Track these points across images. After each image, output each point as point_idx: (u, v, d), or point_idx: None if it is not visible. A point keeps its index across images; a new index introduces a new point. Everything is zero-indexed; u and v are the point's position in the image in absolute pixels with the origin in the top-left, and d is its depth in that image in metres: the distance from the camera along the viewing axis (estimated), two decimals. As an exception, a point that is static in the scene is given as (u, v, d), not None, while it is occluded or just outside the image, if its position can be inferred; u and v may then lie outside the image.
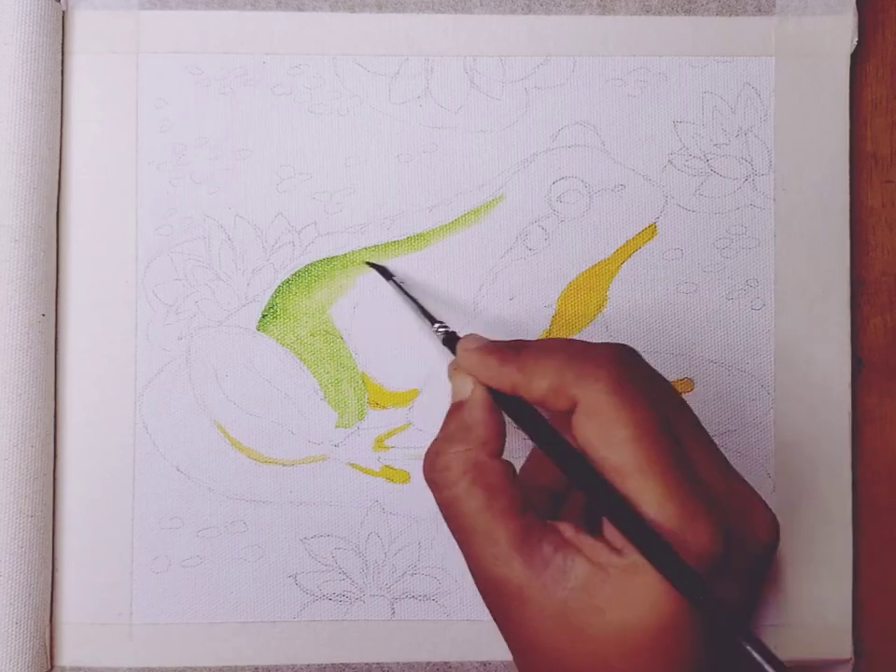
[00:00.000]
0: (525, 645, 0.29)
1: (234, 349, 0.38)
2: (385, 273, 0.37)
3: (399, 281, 0.37)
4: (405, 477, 0.38)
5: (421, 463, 0.38)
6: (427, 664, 0.38)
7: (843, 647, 0.38)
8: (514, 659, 0.31)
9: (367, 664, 0.38)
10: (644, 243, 0.38)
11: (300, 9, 0.38)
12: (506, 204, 0.38)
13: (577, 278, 0.38)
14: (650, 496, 0.27)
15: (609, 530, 0.28)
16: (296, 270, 0.38)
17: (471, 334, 0.33)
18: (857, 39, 0.38)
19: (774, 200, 0.38)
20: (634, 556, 0.27)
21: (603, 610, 0.27)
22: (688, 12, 0.38)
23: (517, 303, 0.38)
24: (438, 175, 0.38)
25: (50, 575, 0.37)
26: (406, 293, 0.36)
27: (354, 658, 0.38)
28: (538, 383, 0.29)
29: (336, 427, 0.38)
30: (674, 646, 0.27)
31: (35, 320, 0.36)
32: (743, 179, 0.38)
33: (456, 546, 0.37)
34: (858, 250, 0.39)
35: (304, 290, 0.38)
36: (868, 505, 0.39)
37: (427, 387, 0.38)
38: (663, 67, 0.38)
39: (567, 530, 0.29)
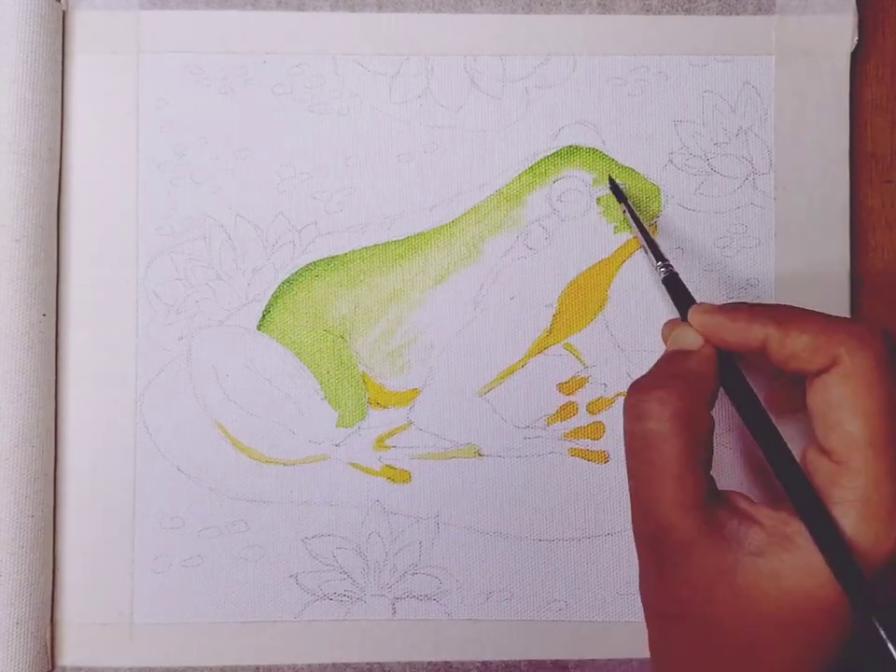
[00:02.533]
0: (670, 601, 0.29)
1: (235, 349, 0.38)
2: (621, 195, 0.37)
3: (632, 206, 0.37)
4: (406, 477, 0.38)
5: (422, 463, 0.38)
6: (428, 663, 0.38)
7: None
8: (646, 617, 0.31)
9: (368, 663, 0.38)
10: (644, 242, 0.38)
11: (300, 9, 0.38)
12: (506, 204, 0.38)
13: (577, 277, 0.38)
14: (870, 474, 0.27)
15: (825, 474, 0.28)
16: (296, 269, 0.38)
17: (702, 303, 0.33)
18: (857, 38, 0.38)
19: (774, 199, 0.38)
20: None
21: (780, 575, 0.27)
22: (688, 11, 0.38)
23: (518, 303, 0.38)
24: (438, 175, 0.38)
25: (51, 575, 0.37)
26: (638, 222, 0.36)
27: (355, 658, 0.38)
28: (796, 337, 0.29)
29: (337, 426, 0.38)
30: (833, 628, 0.27)
31: (35, 320, 0.36)
32: (743, 178, 0.38)
33: (457, 546, 0.37)
34: (858, 250, 0.39)
35: (305, 290, 0.38)
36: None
37: (427, 387, 0.38)
38: (663, 66, 0.38)
39: (741, 501, 0.29)
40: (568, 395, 0.38)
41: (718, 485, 0.30)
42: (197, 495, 0.38)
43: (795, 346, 0.29)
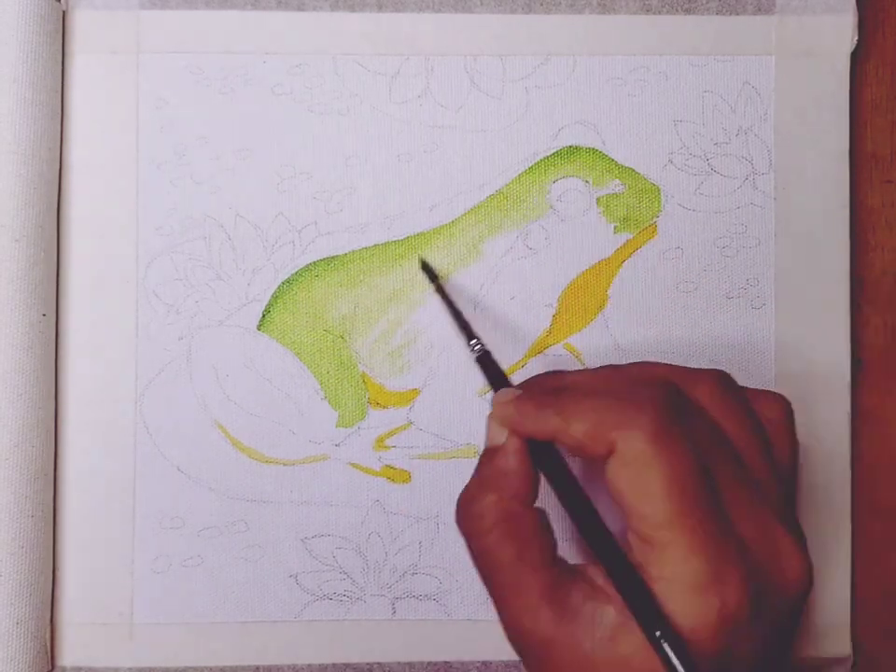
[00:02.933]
0: None
1: (235, 349, 0.38)
2: (433, 274, 0.37)
3: (443, 285, 0.37)
4: (406, 477, 0.38)
5: (422, 463, 0.38)
6: (428, 663, 0.38)
7: (842, 645, 0.38)
8: None
9: (368, 663, 0.38)
10: (644, 242, 0.38)
11: (300, 9, 0.38)
12: (506, 204, 0.38)
13: (577, 277, 0.38)
14: (675, 550, 0.27)
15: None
16: (296, 269, 0.38)
17: (507, 388, 0.32)
18: (857, 38, 0.38)
19: (774, 199, 0.38)
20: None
21: (629, 662, 0.27)
22: (688, 11, 0.38)
23: (518, 303, 0.38)
24: (438, 175, 0.38)
25: (51, 575, 0.37)
26: (448, 300, 0.36)
27: (355, 658, 0.38)
28: (575, 426, 0.29)
29: (337, 426, 0.38)
30: None
31: (35, 320, 0.36)
32: (743, 178, 0.38)
33: (457, 546, 0.37)
34: (858, 250, 0.39)
35: (305, 290, 0.38)
36: (868, 505, 0.39)
37: (427, 387, 0.38)
38: (663, 66, 0.38)
39: (597, 577, 0.29)
40: (568, 395, 0.38)
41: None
42: (197, 495, 0.38)
43: (577, 436, 0.29)
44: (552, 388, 0.31)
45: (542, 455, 0.31)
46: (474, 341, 0.34)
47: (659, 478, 0.27)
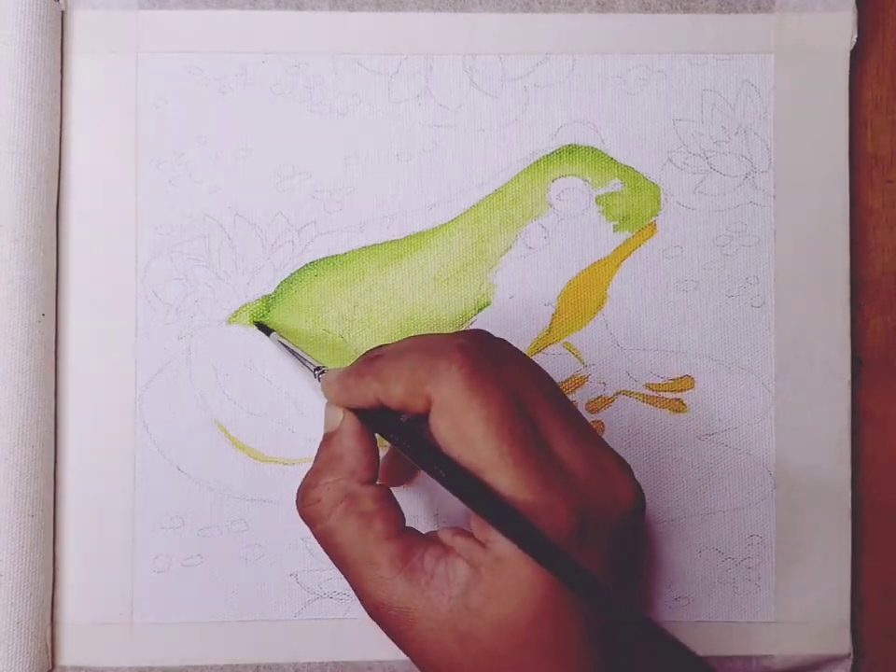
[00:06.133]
0: (423, 662, 0.29)
1: (234, 348, 0.38)
2: (265, 329, 0.37)
3: (278, 337, 0.37)
4: (405, 476, 0.38)
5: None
6: (428, 662, 0.38)
7: (842, 643, 0.38)
8: None
9: (368, 662, 0.38)
10: (644, 241, 0.38)
11: (299, 8, 0.38)
12: (505, 203, 0.38)
13: (577, 276, 0.38)
14: (504, 487, 0.27)
15: (476, 525, 0.28)
16: (296, 269, 0.38)
17: (332, 369, 0.33)
18: (857, 37, 0.38)
19: (774, 197, 0.38)
20: (497, 548, 0.27)
21: (481, 611, 0.28)
22: (687, 10, 0.38)
23: (517, 302, 0.38)
24: (437, 174, 0.38)
25: (51, 575, 0.37)
26: (286, 345, 0.36)
27: (355, 656, 0.38)
28: (394, 387, 0.29)
29: (336, 426, 0.38)
30: (556, 632, 0.28)
31: (34, 320, 0.36)
32: (743, 177, 0.38)
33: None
34: (858, 250, 0.39)
35: (304, 289, 0.38)
36: (868, 504, 0.39)
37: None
38: (662, 65, 0.38)
39: (445, 536, 0.29)
40: (568, 393, 0.38)
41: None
42: (197, 494, 0.38)
43: (397, 396, 0.29)
44: (370, 358, 0.31)
45: (383, 422, 0.31)
46: (317, 369, 0.35)
47: (475, 422, 0.28)
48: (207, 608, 0.38)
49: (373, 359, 0.31)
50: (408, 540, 0.29)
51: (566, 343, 0.38)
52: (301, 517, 0.31)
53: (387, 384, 0.29)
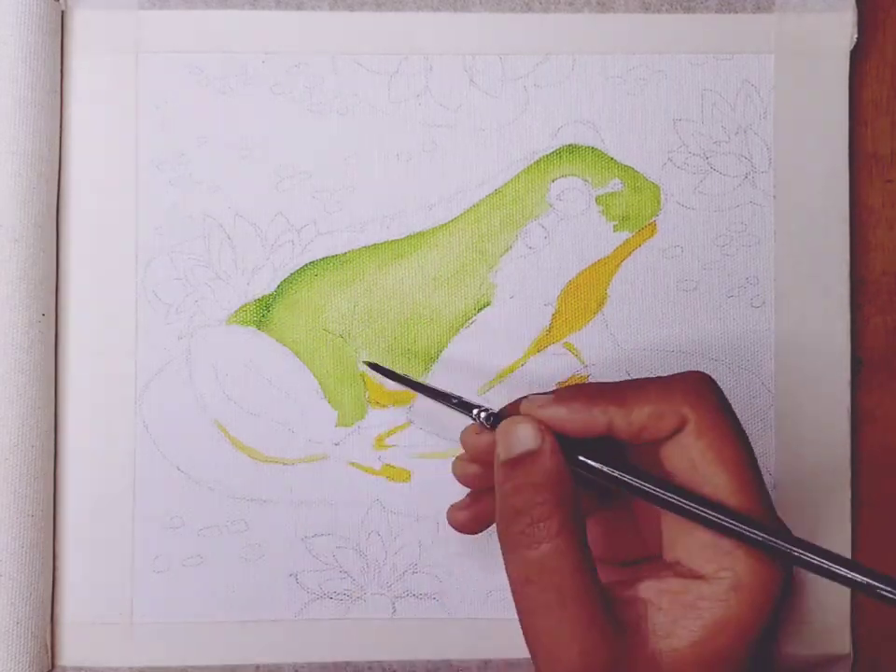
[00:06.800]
0: None
1: (234, 348, 0.38)
2: (397, 376, 0.36)
3: (407, 376, 0.37)
4: (406, 476, 0.38)
5: (422, 462, 0.38)
6: (429, 662, 0.38)
7: (842, 643, 0.38)
8: None
9: (368, 662, 0.38)
10: (644, 240, 0.38)
11: (299, 8, 0.38)
12: (506, 203, 0.38)
13: (577, 276, 0.38)
14: (752, 511, 0.28)
15: (698, 556, 0.28)
16: (296, 269, 0.38)
17: (536, 395, 0.31)
18: (857, 37, 0.38)
19: (774, 197, 0.38)
20: (736, 574, 0.28)
21: (697, 641, 0.27)
22: (687, 10, 0.38)
23: (517, 301, 0.38)
24: (437, 174, 0.38)
25: (51, 575, 0.37)
26: (424, 388, 0.36)
27: (355, 656, 0.38)
28: (639, 410, 0.29)
29: (336, 426, 0.38)
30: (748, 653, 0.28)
31: (34, 320, 0.36)
32: (743, 177, 0.38)
33: (457, 545, 0.37)
34: (858, 250, 0.39)
35: (304, 289, 0.38)
36: (868, 504, 0.39)
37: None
38: (662, 65, 0.38)
39: (620, 589, 0.29)
40: (568, 394, 0.38)
41: None
42: (197, 494, 0.38)
43: (641, 419, 0.29)
44: (600, 385, 0.31)
45: (581, 452, 0.30)
46: (476, 409, 0.32)
47: (734, 446, 0.28)
48: (207, 608, 0.38)
49: (600, 387, 0.30)
50: (603, 590, 0.28)
51: (566, 342, 0.38)
52: (507, 544, 0.29)
53: (632, 407, 0.29)
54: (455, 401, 0.33)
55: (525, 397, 0.31)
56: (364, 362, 0.38)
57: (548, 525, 0.28)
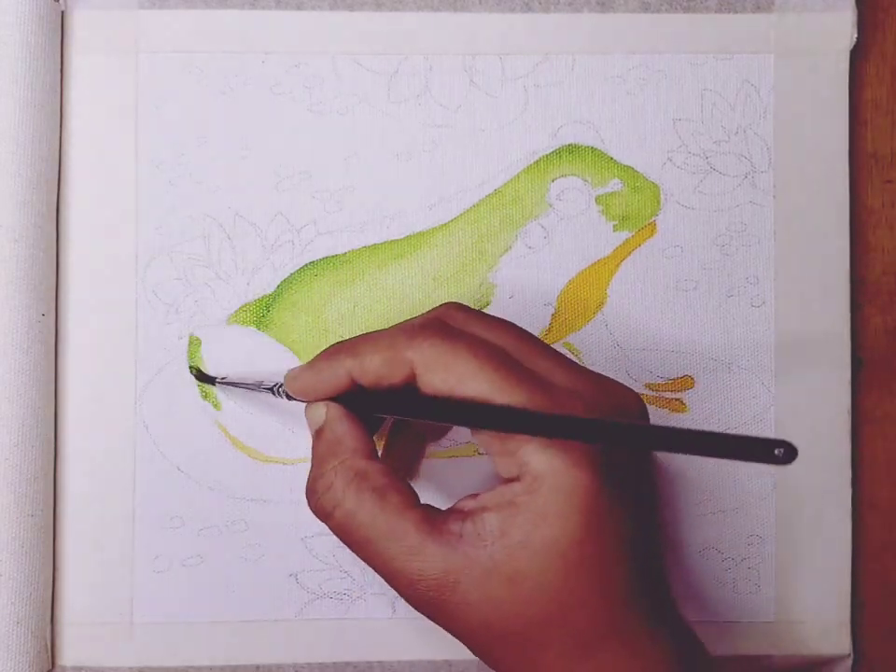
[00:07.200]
0: (473, 630, 0.29)
1: (234, 348, 0.38)
2: (210, 379, 0.37)
3: (221, 379, 0.37)
4: (405, 476, 0.38)
5: (422, 462, 0.38)
6: (429, 662, 0.38)
7: (842, 643, 0.38)
8: (473, 649, 0.30)
9: (368, 662, 0.38)
10: (644, 240, 0.38)
11: (299, 8, 0.38)
12: (505, 203, 0.38)
13: (576, 276, 0.38)
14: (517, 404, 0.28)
15: (502, 461, 0.29)
16: (296, 269, 0.38)
17: (293, 367, 0.33)
18: (857, 37, 0.38)
19: (774, 197, 0.38)
20: (532, 468, 0.28)
21: (525, 543, 0.28)
22: (687, 9, 0.38)
23: (517, 302, 0.38)
24: (437, 174, 0.38)
25: (51, 575, 0.37)
26: (237, 384, 0.37)
27: (355, 656, 0.38)
28: (370, 359, 0.30)
29: (336, 426, 0.38)
30: (600, 544, 0.28)
31: (34, 320, 0.36)
32: (742, 177, 0.38)
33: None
34: (858, 250, 0.39)
35: (304, 289, 0.38)
36: (868, 505, 0.39)
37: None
38: (662, 65, 0.38)
39: (466, 504, 0.29)
40: (568, 394, 0.38)
41: None
42: (197, 494, 0.38)
43: (374, 367, 0.30)
44: (337, 342, 0.32)
45: (364, 401, 0.31)
46: (276, 385, 0.35)
47: (466, 361, 0.28)
48: (207, 608, 0.38)
49: (340, 343, 0.31)
50: (427, 510, 0.29)
51: (566, 342, 0.38)
52: (315, 511, 0.31)
53: (362, 357, 0.30)
54: (261, 387, 0.36)
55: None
56: (190, 367, 0.38)
57: (337, 484, 0.30)
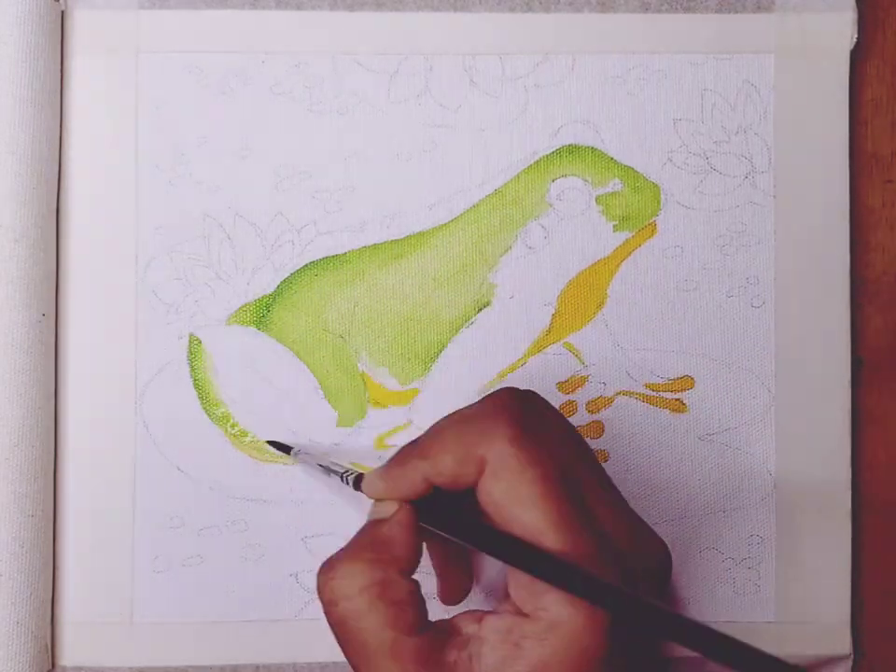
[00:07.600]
0: None
1: (234, 348, 0.38)
2: (286, 449, 0.37)
3: (298, 451, 0.37)
4: (405, 476, 0.38)
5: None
6: (428, 662, 0.38)
7: (842, 643, 0.38)
8: None
9: (368, 662, 0.38)
10: (644, 240, 0.38)
11: (299, 8, 0.38)
12: (505, 203, 0.38)
13: (577, 276, 0.38)
14: (559, 548, 0.27)
15: (524, 595, 0.28)
16: (296, 269, 0.38)
17: (371, 470, 0.32)
18: (857, 37, 0.38)
19: (774, 197, 0.38)
20: (552, 615, 0.27)
21: None
22: (687, 10, 0.38)
23: (517, 302, 0.38)
24: (437, 174, 0.38)
25: (51, 575, 0.37)
26: (311, 461, 0.36)
27: (355, 657, 0.38)
28: (442, 460, 0.29)
29: (337, 426, 0.38)
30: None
31: (35, 320, 0.36)
32: (743, 177, 0.38)
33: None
34: (858, 250, 0.39)
35: (304, 289, 0.38)
36: (868, 504, 0.39)
37: (426, 386, 0.38)
38: (662, 65, 0.38)
39: (466, 624, 0.29)
40: (568, 394, 0.38)
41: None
42: (197, 494, 0.38)
43: (447, 468, 0.28)
44: (408, 444, 0.31)
45: (437, 512, 0.30)
46: (345, 472, 0.34)
47: (532, 482, 0.27)
48: (207, 608, 0.38)
49: (412, 443, 0.30)
50: (432, 636, 0.29)
51: (566, 342, 0.38)
52: (321, 588, 0.29)
53: (435, 458, 0.29)
54: (330, 469, 0.35)
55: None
56: (267, 442, 0.38)
57: (349, 583, 0.29)
